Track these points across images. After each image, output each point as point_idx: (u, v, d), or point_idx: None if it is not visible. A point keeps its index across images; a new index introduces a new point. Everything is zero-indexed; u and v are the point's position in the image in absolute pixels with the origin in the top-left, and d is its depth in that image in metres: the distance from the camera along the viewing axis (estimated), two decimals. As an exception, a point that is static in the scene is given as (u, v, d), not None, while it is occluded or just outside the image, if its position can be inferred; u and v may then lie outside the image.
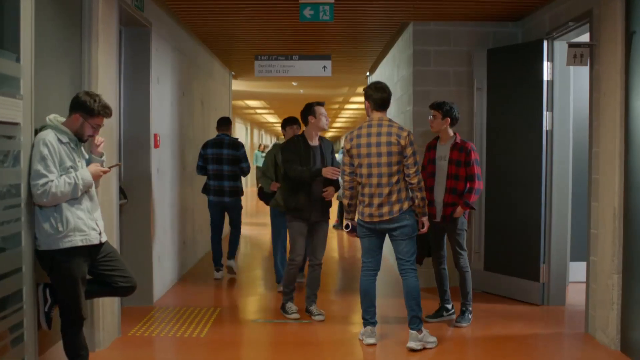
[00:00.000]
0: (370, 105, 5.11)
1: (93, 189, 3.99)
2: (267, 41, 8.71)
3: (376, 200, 4.99)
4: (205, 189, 7.72)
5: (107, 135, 5.04)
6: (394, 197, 4.99)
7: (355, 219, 5.24)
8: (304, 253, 6.03)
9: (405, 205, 5.01)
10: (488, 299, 6.69)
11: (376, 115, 5.10)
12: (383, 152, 4.98)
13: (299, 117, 6.37)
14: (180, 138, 7.72)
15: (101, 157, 4.07)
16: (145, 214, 6.29)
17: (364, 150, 4.99)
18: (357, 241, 10.93)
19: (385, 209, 4.99)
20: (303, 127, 6.12)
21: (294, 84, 13.55)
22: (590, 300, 5.40)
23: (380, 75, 10.41)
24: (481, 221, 6.97)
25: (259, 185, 7.26)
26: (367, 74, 12.16)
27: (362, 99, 18.83)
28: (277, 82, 13.78)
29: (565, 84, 6.33)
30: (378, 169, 4.99)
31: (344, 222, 5.26)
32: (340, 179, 5.52)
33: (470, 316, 5.73)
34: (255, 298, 6.84)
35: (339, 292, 7.52)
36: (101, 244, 3.96)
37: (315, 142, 5.99)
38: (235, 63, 11.18)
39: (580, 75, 6.64)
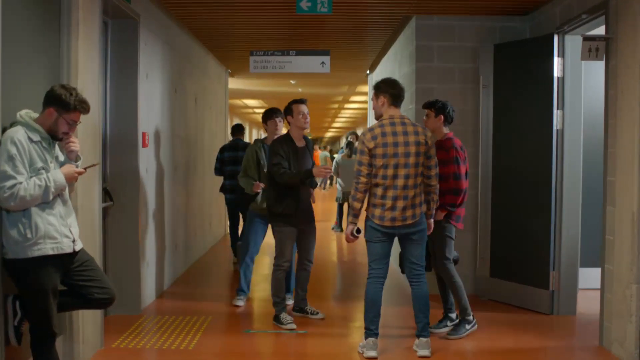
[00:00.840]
0: (387, 101, 4.80)
1: (67, 192, 3.65)
2: (264, 36, 8.37)
3: (401, 204, 4.68)
4: (223, 188, 8.44)
5: (90, 134, 4.70)
6: (417, 200, 4.75)
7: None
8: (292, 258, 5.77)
9: (424, 208, 4.84)
10: (494, 307, 6.35)
11: (393, 111, 4.79)
12: (412, 152, 4.68)
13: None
14: (171, 137, 7.38)
15: (76, 161, 3.71)
16: (133, 216, 5.95)
17: (390, 150, 4.63)
18: (356, 244, 10.68)
19: (409, 213, 4.71)
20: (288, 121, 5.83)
21: (292, 82, 13.22)
22: (605, 310, 5.06)
23: (381, 73, 10.07)
24: (487, 225, 6.63)
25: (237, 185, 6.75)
26: (367, 72, 11.83)
27: (362, 97, 18.68)
28: (275, 80, 13.45)
29: (577, 80, 5.98)
30: (405, 170, 4.66)
31: (354, 227, 4.80)
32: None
33: (467, 327, 5.37)
34: (248, 306, 6.49)
35: (337, 298, 7.18)
36: (75, 253, 3.61)
37: (301, 143, 5.69)
38: (231, 60, 10.84)
39: (592, 71, 6.31)
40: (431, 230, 5.05)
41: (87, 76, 4.62)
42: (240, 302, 6.40)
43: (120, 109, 5.88)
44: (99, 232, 4.94)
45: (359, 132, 27.74)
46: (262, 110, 24.34)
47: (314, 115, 25.94)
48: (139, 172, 5.99)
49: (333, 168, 12.26)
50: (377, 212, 4.72)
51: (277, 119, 6.29)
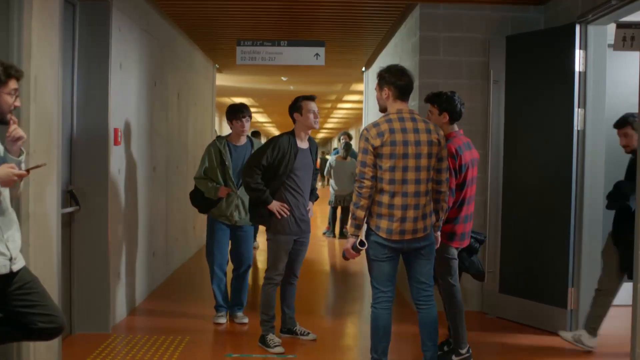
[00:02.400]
0: (392, 94, 4.08)
1: (5, 199, 2.99)
2: (253, 26, 7.69)
3: (412, 213, 4.00)
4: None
5: (45, 130, 4.04)
6: (427, 209, 4.09)
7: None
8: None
9: (434, 219, 4.18)
10: (504, 327, 5.73)
11: (400, 106, 4.09)
12: (423, 153, 4.00)
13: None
14: (149, 134, 6.71)
15: (19, 156, 3.05)
16: (102, 222, 5.30)
17: (399, 150, 3.94)
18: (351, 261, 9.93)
19: (421, 224, 4.04)
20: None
21: (284, 79, 12.56)
22: (639, 337, 4.43)
23: (378, 69, 9.43)
24: (496, 236, 6.00)
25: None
26: (363, 69, 11.19)
27: (357, 97, 18.00)
28: (265, 77, 12.79)
29: (601, 75, 5.37)
30: (416, 173, 3.99)
31: (357, 240, 4.05)
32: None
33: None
34: (232, 325, 5.83)
35: (329, 314, 6.53)
36: (14, 273, 2.95)
37: (304, 144, 5.05)
38: (219, 53, 10.17)
39: (616, 65, 5.70)
40: (438, 245, 4.34)
41: (42, 61, 3.96)
42: (222, 320, 5.74)
43: (89, 102, 5.24)
44: (56, 242, 4.28)
45: (359, 132, 27.05)
46: (252, 110, 23.70)
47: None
48: (109, 172, 5.33)
49: (325, 170, 11.65)
50: (384, 223, 4.01)
51: (245, 119, 5.62)
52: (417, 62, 6.25)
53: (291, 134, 5.03)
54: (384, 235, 4.02)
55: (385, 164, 3.96)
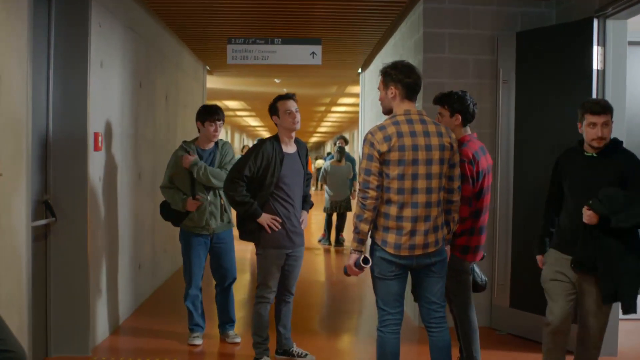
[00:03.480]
0: (399, 94, 3.66)
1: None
2: (244, 24, 7.25)
3: (422, 226, 3.59)
4: None
5: (11, 133, 3.62)
6: (439, 221, 3.67)
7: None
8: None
9: (445, 231, 3.76)
10: (516, 345, 5.34)
11: (407, 106, 3.66)
12: (435, 158, 3.59)
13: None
14: (134, 139, 6.27)
15: None
16: (81, 235, 4.87)
17: (409, 156, 3.53)
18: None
19: (432, 238, 3.63)
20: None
21: (277, 81, 12.14)
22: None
23: (375, 70, 9.04)
24: (506, 246, 5.60)
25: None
26: (359, 70, 10.80)
27: (351, 100, 17.57)
28: (258, 79, 12.38)
29: (620, 73, 4.98)
30: (427, 182, 3.58)
31: (361, 256, 3.60)
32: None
33: None
34: (223, 346, 5.39)
35: (327, 331, 6.10)
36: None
37: (290, 148, 4.64)
38: (209, 54, 9.74)
39: (636, 62, 5.32)
40: (448, 258, 3.89)
41: (8, 56, 3.54)
42: (197, 341, 5.28)
43: (66, 103, 4.82)
44: (26, 259, 3.85)
45: (354, 136, 26.64)
46: (244, 114, 23.34)
47: (298, 119, 24.90)
48: (88, 180, 4.90)
49: (320, 176, 11.24)
50: (391, 237, 3.59)
51: (219, 123, 5.17)
52: (420, 60, 5.85)
53: (275, 139, 4.60)
54: (391, 251, 3.60)
55: (393, 171, 3.54)
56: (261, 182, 4.47)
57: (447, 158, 3.65)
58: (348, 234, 11.69)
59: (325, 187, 11.27)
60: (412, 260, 3.63)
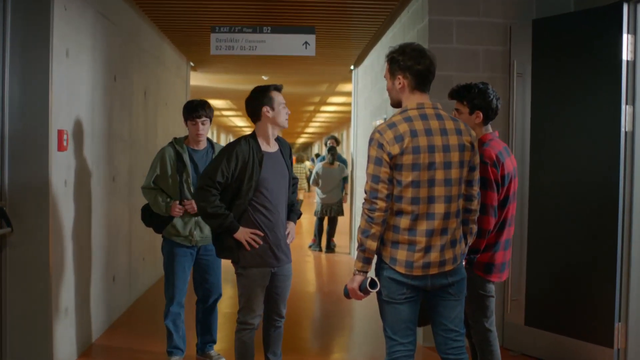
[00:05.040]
0: (407, 84, 3.08)
1: None
2: (229, 13, 6.62)
3: (439, 241, 3.03)
4: None
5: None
6: (458, 234, 3.12)
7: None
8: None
9: (463, 246, 3.20)
10: (534, 369, 4.79)
11: (420, 99, 3.09)
12: (454, 161, 3.03)
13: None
14: (107, 138, 5.65)
15: None
16: (41, 246, 4.27)
17: (425, 159, 2.97)
18: (341, 269, 8.98)
19: (450, 254, 3.07)
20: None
21: (265, 78, 11.53)
22: None
23: (370, 65, 8.48)
24: (522, 258, 5.05)
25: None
26: (352, 67, 10.23)
27: (342, 99, 17.00)
28: (244, 76, 11.75)
29: (653, 66, 4.45)
30: (446, 189, 3.02)
31: (367, 278, 3.04)
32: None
33: None
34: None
35: (320, 351, 5.52)
36: None
37: (272, 147, 4.00)
38: (192, 48, 9.11)
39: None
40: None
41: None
42: None
43: (24, 96, 4.22)
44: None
45: (344, 136, 26.06)
46: (230, 113, 22.68)
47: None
48: (50, 184, 4.28)
49: (312, 179, 10.67)
50: (402, 254, 3.02)
51: (201, 121, 4.54)
52: (425, 51, 5.27)
53: (251, 137, 3.94)
54: (401, 270, 3.02)
55: (406, 177, 2.97)
56: (237, 189, 3.83)
57: (467, 160, 3.08)
58: (340, 239, 11.12)
59: (316, 189, 10.70)
60: (426, 281, 3.05)
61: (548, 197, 4.92)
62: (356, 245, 3.12)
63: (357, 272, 3.06)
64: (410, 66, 3.05)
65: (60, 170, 4.49)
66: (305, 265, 9.66)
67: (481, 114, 3.61)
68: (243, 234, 3.81)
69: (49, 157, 4.26)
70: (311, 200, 20.03)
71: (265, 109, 3.89)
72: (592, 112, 4.63)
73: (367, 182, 3.02)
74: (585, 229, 4.67)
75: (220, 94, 15.58)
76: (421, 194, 2.97)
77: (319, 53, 7.04)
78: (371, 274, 3.10)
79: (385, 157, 2.96)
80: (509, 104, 5.14)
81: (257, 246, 3.83)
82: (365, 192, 3.02)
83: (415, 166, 2.96)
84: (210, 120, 4.62)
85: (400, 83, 3.09)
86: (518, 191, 4.91)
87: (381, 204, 2.96)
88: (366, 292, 3.04)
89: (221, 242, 3.90)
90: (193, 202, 4.41)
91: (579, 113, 4.71)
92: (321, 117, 23.39)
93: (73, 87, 4.75)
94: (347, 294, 3.13)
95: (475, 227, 3.26)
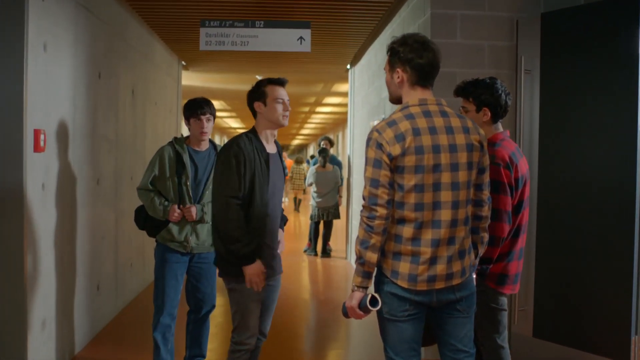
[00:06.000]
0: (407, 78, 2.80)
1: None
2: (221, 7, 6.30)
3: (445, 251, 2.73)
4: None
5: None
6: (466, 244, 2.82)
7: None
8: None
9: (473, 257, 2.90)
10: (543, 384, 4.49)
11: (422, 94, 2.80)
12: (462, 162, 2.73)
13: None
14: (91, 138, 5.34)
15: None
16: (15, 255, 3.97)
17: (429, 160, 2.69)
18: (337, 275, 8.67)
19: (458, 267, 2.77)
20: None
21: (258, 77, 11.20)
22: None
23: (367, 63, 8.19)
24: (529, 265, 4.76)
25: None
26: (348, 66, 9.94)
27: (337, 99, 16.70)
28: (237, 75, 11.46)
29: (671, 61, 4.17)
30: (453, 193, 2.72)
31: (367, 295, 2.73)
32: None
33: None
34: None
35: (318, 362, 5.24)
36: None
37: (272, 148, 3.62)
38: (183, 46, 8.81)
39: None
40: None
41: None
42: None
43: (-3, 93, 3.91)
44: None
45: (338, 138, 25.78)
46: (224, 114, 22.34)
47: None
48: (25, 188, 3.98)
49: (307, 180, 10.38)
50: (404, 267, 2.73)
51: (206, 117, 4.20)
52: (427, 47, 4.98)
53: (252, 134, 3.53)
54: (404, 284, 2.73)
55: (409, 181, 2.68)
56: (250, 199, 3.40)
57: (476, 161, 2.79)
58: (336, 242, 10.83)
59: (311, 193, 10.41)
60: (431, 297, 2.76)
61: (558, 201, 4.64)
62: (355, 252, 2.82)
63: (355, 287, 2.75)
64: (411, 59, 2.77)
65: (37, 172, 4.18)
66: (300, 270, 9.36)
67: (489, 111, 3.34)
68: (255, 271, 3.38)
69: (24, 159, 3.96)
70: (307, 203, 19.77)
71: (257, 104, 3.53)
72: (606, 110, 4.35)
73: (365, 187, 2.72)
74: (598, 234, 4.38)
75: (213, 94, 15.27)
76: (425, 199, 2.69)
77: (314, 51, 6.74)
78: (372, 289, 2.81)
79: (385, 158, 2.67)
80: (516, 102, 4.86)
81: (259, 289, 3.43)
82: (364, 199, 2.72)
83: (419, 168, 2.67)
84: (214, 119, 4.30)
85: (399, 77, 2.81)
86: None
87: (381, 211, 2.66)
88: (366, 311, 2.73)
89: (226, 264, 3.48)
90: (192, 208, 4.12)
91: (591, 112, 4.43)
92: (316, 118, 23.09)
93: (52, 84, 4.45)
94: (346, 312, 2.82)
95: (486, 236, 2.97)
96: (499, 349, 3.33)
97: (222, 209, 3.35)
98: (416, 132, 2.68)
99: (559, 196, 4.63)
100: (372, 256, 2.69)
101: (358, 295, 2.73)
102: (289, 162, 18.41)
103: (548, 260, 4.69)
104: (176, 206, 4.13)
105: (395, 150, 2.66)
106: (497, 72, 4.90)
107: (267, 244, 3.51)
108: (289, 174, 18.66)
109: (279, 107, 3.49)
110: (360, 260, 2.72)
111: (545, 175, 4.71)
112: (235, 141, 3.43)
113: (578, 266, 4.50)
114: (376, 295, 2.74)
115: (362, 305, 2.72)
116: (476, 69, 4.89)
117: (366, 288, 2.75)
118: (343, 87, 12.73)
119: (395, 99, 2.90)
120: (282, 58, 8.73)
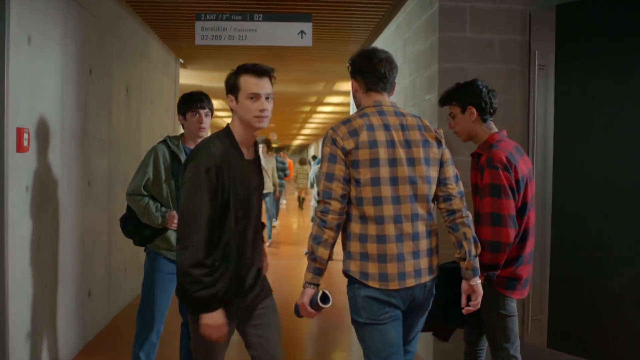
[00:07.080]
0: (359, 86, 2.89)
1: None
2: (217, 0, 6.04)
3: (408, 247, 2.73)
4: None
5: None
6: (434, 242, 2.84)
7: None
8: None
9: (437, 259, 2.90)
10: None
11: (377, 97, 2.85)
12: (418, 157, 2.77)
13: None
14: (81, 138, 5.08)
15: None
16: (-3, 263, 3.70)
17: (383, 154, 2.72)
18: (340, 279, 8.28)
19: (425, 263, 2.78)
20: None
21: (258, 75, 10.96)
22: None
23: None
24: (544, 272, 4.50)
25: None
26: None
27: (339, 98, 16.43)
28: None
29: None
30: (411, 187, 2.74)
31: (317, 292, 2.69)
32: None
33: None
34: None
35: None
36: None
37: (249, 153, 2.87)
38: (181, 43, 8.55)
39: None
40: (480, 296, 2.86)
41: None
42: None
43: (-24, 90, 3.65)
44: None
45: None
46: (224, 114, 22.07)
47: (280, 120, 23.71)
48: (6, 191, 3.73)
49: (309, 183, 10.15)
50: (373, 267, 2.71)
51: (204, 111, 3.82)
52: (435, 41, 4.73)
53: (226, 136, 2.79)
54: (375, 285, 2.71)
55: (364, 175, 2.71)
56: (222, 219, 2.71)
57: (435, 158, 2.83)
58: (338, 244, 10.56)
59: (313, 194, 10.17)
60: (404, 295, 2.72)
61: (574, 204, 4.38)
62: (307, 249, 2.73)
63: (307, 284, 2.74)
64: (358, 69, 2.90)
65: (20, 174, 3.93)
66: (301, 274, 9.09)
67: (474, 109, 3.24)
68: (213, 322, 2.68)
69: (5, 159, 3.70)
70: (308, 204, 19.53)
71: (229, 98, 2.79)
72: (626, 107, 4.09)
73: (320, 181, 2.75)
74: (617, 240, 4.13)
75: (212, 93, 14.94)
76: (383, 192, 2.71)
77: (315, 48, 6.48)
78: (347, 290, 2.83)
79: (340, 153, 2.72)
80: (530, 100, 4.60)
81: (221, 342, 2.79)
82: (318, 194, 2.77)
83: (374, 162, 2.71)
84: (212, 115, 3.99)
85: (354, 86, 2.94)
86: (540, 197, 4.40)
87: (335, 205, 2.69)
88: (317, 308, 2.69)
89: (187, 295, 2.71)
90: None
91: (610, 109, 4.17)
92: (318, 118, 22.84)
93: (37, 80, 4.19)
94: (298, 311, 2.76)
95: (469, 232, 2.82)
96: (510, 358, 3.12)
97: (186, 251, 2.64)
98: (370, 128, 2.73)
99: (576, 200, 4.37)
100: (324, 252, 2.70)
101: (309, 292, 2.71)
102: (289, 161, 18.24)
103: (563, 267, 4.43)
104: (175, 212, 3.75)
105: (349, 144, 2.71)
106: (509, 68, 4.65)
107: (242, 275, 2.80)
108: (294, 174, 18.56)
109: (253, 105, 2.72)
110: (312, 256, 2.71)
111: (560, 178, 4.44)
112: (205, 147, 2.72)
113: (596, 273, 4.24)
114: (327, 291, 2.69)
115: (313, 303, 2.70)
116: (487, 64, 4.64)
117: (317, 285, 2.73)
118: (345, 86, 12.49)
119: (358, 107, 2.97)
120: (282, 53, 8.47)
